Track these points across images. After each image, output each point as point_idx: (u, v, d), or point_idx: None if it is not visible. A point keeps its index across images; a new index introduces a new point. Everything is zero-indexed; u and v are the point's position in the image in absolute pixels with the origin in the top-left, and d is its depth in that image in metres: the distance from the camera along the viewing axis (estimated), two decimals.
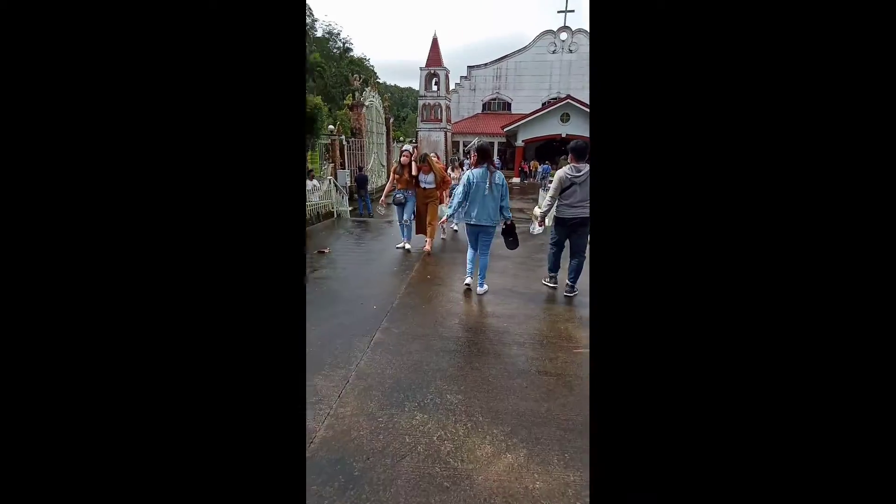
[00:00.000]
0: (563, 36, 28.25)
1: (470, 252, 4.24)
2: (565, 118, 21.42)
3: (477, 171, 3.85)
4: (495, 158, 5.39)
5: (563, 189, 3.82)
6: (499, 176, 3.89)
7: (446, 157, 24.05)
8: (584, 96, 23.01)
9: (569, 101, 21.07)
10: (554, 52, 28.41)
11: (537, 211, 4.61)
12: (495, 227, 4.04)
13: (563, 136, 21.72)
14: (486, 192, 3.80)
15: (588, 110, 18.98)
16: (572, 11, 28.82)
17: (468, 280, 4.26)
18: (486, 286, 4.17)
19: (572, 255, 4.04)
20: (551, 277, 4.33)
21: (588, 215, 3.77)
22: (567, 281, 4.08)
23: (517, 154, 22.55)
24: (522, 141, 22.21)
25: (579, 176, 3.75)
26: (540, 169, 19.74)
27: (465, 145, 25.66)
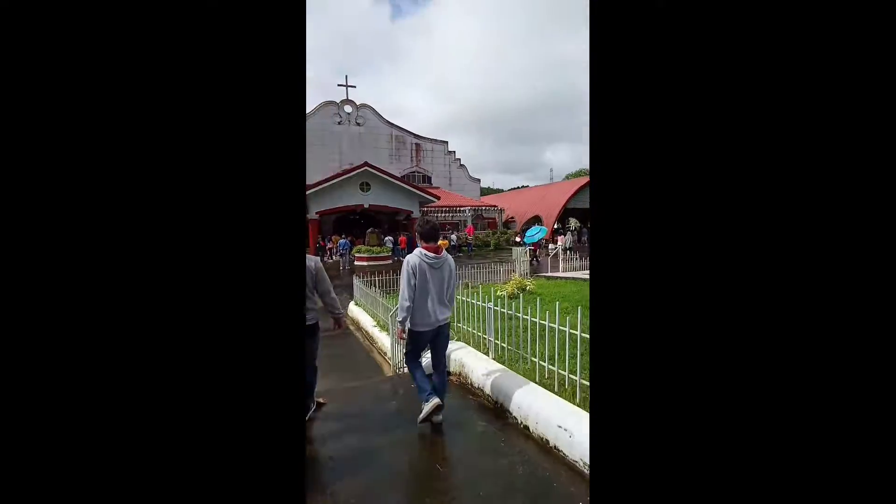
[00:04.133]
0: (348, 108, 26.76)
1: None
2: (365, 187, 18.57)
3: None
4: None
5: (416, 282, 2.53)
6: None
7: None
8: (381, 166, 20.92)
9: (367, 168, 18.41)
10: (340, 123, 26.37)
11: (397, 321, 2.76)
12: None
13: (366, 206, 18.71)
14: None
15: (388, 178, 16.65)
16: (353, 87, 27.97)
17: None
18: None
19: (436, 370, 2.74)
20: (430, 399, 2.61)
21: (450, 316, 2.74)
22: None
23: (311, 228, 18.08)
24: (316, 213, 18.06)
25: (438, 260, 2.56)
26: (340, 243, 15.83)
27: None
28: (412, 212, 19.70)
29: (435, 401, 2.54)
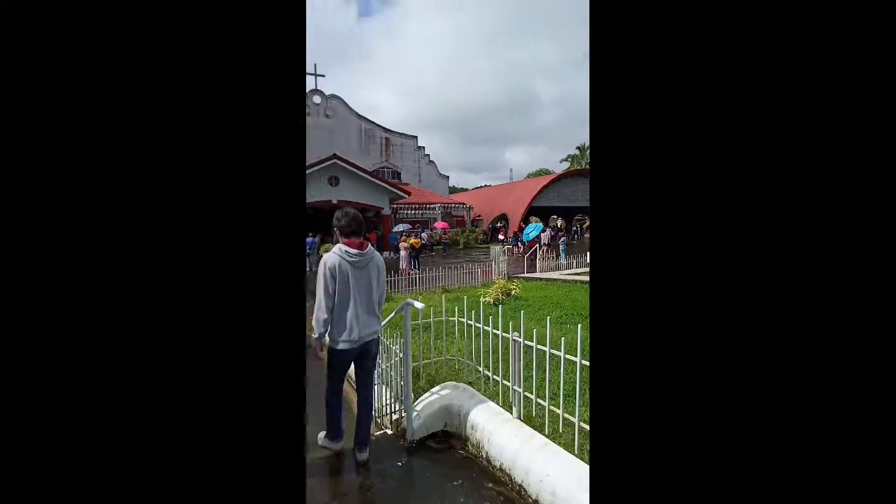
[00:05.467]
0: (317, 99, 25.25)
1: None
2: (334, 181, 17.19)
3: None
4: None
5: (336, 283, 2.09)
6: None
7: None
8: (352, 159, 19.56)
9: (335, 160, 17.04)
10: (308, 114, 24.70)
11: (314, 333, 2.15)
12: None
13: (335, 202, 17.35)
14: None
15: (358, 173, 15.54)
16: (322, 76, 26.40)
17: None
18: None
19: (359, 403, 2.33)
20: (336, 442, 2.32)
21: (379, 329, 2.32)
22: (355, 448, 2.23)
23: None
24: None
25: (363, 257, 2.14)
26: (307, 242, 14.48)
27: None
28: (382, 208, 18.51)
29: (339, 446, 2.29)
